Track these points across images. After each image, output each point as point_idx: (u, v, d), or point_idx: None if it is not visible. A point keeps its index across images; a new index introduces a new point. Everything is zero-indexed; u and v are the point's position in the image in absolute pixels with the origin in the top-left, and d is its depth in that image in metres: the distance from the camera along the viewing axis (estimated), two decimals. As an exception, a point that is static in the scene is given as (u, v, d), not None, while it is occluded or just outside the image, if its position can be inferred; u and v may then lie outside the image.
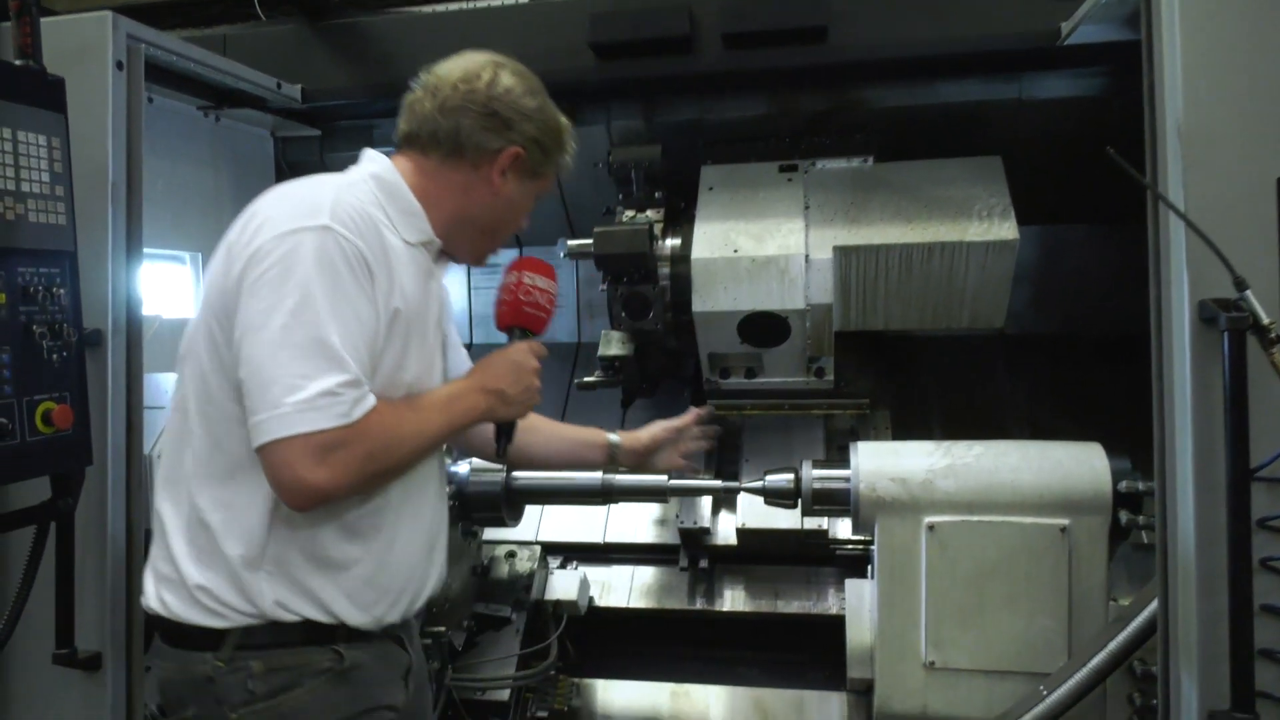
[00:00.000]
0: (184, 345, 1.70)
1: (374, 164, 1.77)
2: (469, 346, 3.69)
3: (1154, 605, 1.99)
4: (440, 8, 3.37)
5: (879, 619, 2.41)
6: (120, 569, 2.27)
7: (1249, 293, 1.70)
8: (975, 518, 2.34)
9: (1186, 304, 1.80)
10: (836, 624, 2.77)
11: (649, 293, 3.21)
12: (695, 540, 3.23)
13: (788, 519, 2.97)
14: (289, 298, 1.50)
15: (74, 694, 2.27)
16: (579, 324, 3.98)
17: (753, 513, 3.05)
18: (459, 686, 2.90)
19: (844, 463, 2.50)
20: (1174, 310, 1.84)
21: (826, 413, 3.38)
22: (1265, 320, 1.68)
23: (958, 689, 2.34)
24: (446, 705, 2.85)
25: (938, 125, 3.29)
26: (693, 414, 2.37)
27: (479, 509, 2.91)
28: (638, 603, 3.23)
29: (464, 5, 3.34)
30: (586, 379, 3.38)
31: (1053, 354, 3.52)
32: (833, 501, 2.51)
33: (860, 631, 2.62)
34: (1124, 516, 2.52)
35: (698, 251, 3.11)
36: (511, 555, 3.21)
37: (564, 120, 1.86)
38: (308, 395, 1.47)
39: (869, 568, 2.72)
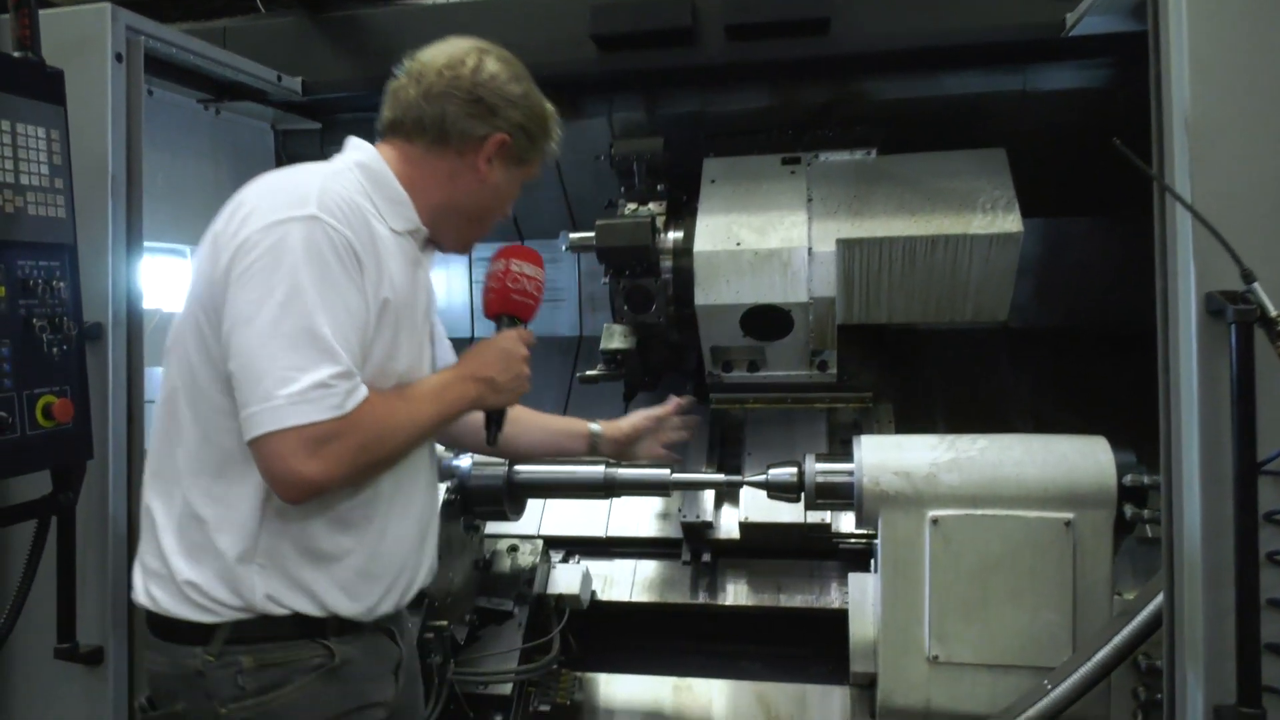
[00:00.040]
0: (170, 338, 1.69)
1: (359, 152, 1.76)
2: (470, 340, 3.70)
3: (1159, 599, 1.98)
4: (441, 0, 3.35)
5: (882, 613, 2.40)
6: (121, 563, 2.26)
7: (1257, 285, 1.69)
8: (979, 511, 2.33)
9: (1193, 296, 1.79)
10: (839, 618, 2.76)
11: (651, 286, 3.20)
12: (698, 534, 3.23)
13: (790, 513, 2.96)
14: (278, 289, 1.49)
15: (76, 688, 2.27)
16: (581, 317, 3.96)
17: (755, 506, 3.05)
18: (461, 681, 2.90)
19: (847, 456, 2.50)
20: (1181, 303, 1.82)
21: (829, 406, 3.37)
22: (1273, 312, 1.67)
23: (961, 683, 2.34)
24: (449, 699, 2.84)
25: (941, 117, 3.27)
26: (673, 403, 2.37)
27: (481, 503, 2.91)
28: (640, 597, 3.22)
29: (465, -4, 3.33)
30: (588, 372, 3.37)
31: (1056, 347, 3.51)
32: (836, 495, 2.50)
33: (863, 625, 2.61)
34: (1129, 510, 2.51)
35: (700, 244, 3.11)
36: (514, 549, 3.20)
37: (549, 107, 1.85)
38: (300, 387, 1.46)
39: (872, 561, 2.71)
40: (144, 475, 1.73)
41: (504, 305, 1.88)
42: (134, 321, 2.33)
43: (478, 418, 1.89)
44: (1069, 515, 2.29)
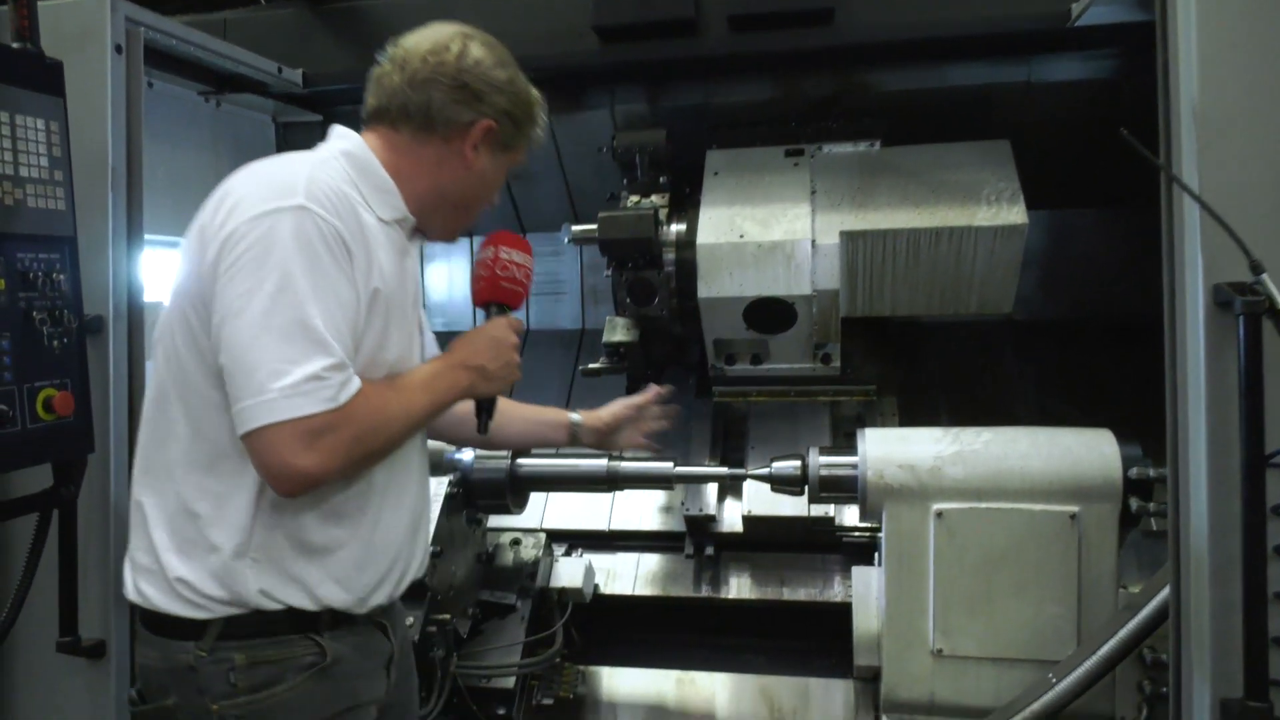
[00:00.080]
0: (158, 332, 1.68)
1: (345, 140, 1.75)
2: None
3: (1164, 593, 1.97)
4: (442, -9, 3.34)
5: (886, 606, 2.39)
6: (123, 557, 2.25)
7: (1265, 276, 1.67)
8: (984, 504, 2.32)
9: (1201, 288, 1.77)
10: (843, 611, 2.75)
11: (654, 278, 3.20)
12: (701, 527, 3.22)
13: (794, 506, 2.95)
14: (268, 281, 1.47)
15: (78, 682, 2.27)
16: (583, 310, 3.94)
17: (759, 500, 3.04)
18: (464, 674, 2.89)
19: (851, 449, 2.49)
20: (1188, 294, 1.81)
21: (833, 399, 3.36)
22: (1282, 304, 1.66)
23: (965, 677, 2.33)
24: (452, 693, 2.84)
25: (945, 109, 3.25)
26: (653, 391, 2.38)
27: (483, 496, 2.90)
28: (643, 590, 3.22)
29: (466, -13, 3.31)
30: (591, 365, 3.36)
31: (1061, 339, 3.50)
32: (840, 488, 2.50)
33: (867, 619, 2.61)
34: (1134, 503, 2.50)
35: (703, 237, 3.09)
36: (516, 543, 3.20)
37: (535, 92, 1.83)
38: (294, 380, 1.45)
39: (876, 555, 2.70)
40: (133, 471, 1.72)
41: (493, 293, 1.88)
42: (135, 314, 2.32)
43: (461, 410, 1.88)
44: (1074, 508, 2.28)
